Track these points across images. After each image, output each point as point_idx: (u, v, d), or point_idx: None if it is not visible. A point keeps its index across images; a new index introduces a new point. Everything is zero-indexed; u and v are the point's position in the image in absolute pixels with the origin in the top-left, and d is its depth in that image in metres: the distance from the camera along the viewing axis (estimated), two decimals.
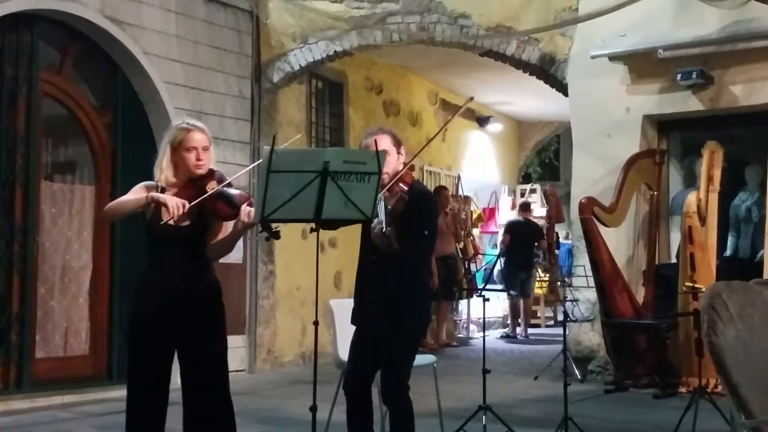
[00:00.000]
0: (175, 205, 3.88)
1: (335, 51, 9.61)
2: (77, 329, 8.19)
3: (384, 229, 4.15)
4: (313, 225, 3.82)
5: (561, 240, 15.02)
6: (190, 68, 8.81)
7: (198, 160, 4.07)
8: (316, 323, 3.96)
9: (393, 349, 4.41)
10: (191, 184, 4.07)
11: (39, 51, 7.79)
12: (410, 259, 4.36)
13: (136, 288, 4.22)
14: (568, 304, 6.42)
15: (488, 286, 5.90)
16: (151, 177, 8.47)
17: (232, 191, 4.02)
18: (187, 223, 4.02)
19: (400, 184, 4.36)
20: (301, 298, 10.09)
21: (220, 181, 4.06)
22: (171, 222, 3.94)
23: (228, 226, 4.11)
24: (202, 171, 4.08)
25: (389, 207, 4.27)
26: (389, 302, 4.38)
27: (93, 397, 7.74)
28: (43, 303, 7.88)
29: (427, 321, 4.91)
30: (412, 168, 4.53)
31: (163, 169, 4.11)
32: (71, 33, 8.10)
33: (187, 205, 3.90)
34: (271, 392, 7.98)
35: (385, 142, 4.39)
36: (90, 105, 8.33)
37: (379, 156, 3.80)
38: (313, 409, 3.82)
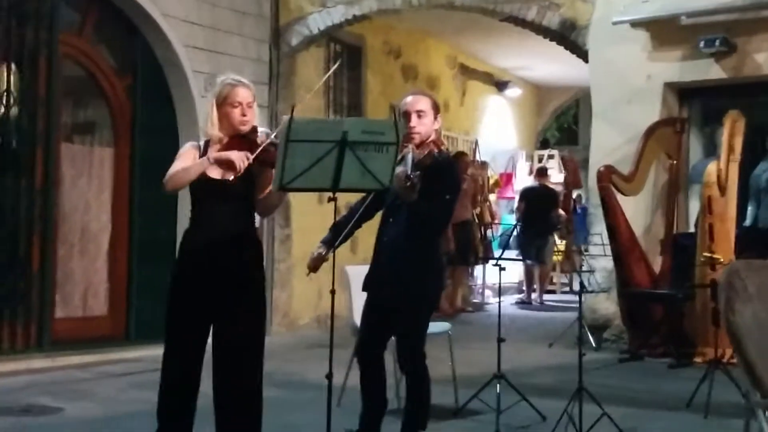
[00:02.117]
0: (239, 158, 3.89)
1: (354, 15, 9.55)
2: (96, 290, 8.29)
3: (408, 173, 4.12)
4: (330, 194, 3.81)
5: (577, 204, 14.95)
6: (209, 31, 8.80)
7: (243, 115, 4.09)
8: (332, 292, 3.97)
9: (407, 318, 4.43)
10: (238, 139, 4.08)
11: (59, 13, 7.79)
12: (425, 220, 4.34)
13: (179, 247, 4.18)
14: (584, 274, 6.41)
15: (504, 254, 5.89)
16: (168, 139, 8.60)
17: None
18: (232, 177, 3.99)
19: (432, 145, 4.41)
20: None
21: (266, 135, 4.07)
22: (230, 178, 3.95)
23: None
24: (246, 127, 4.10)
25: (416, 160, 4.26)
26: (402, 269, 4.39)
27: (111, 357, 7.82)
28: (62, 264, 7.97)
29: (441, 288, 4.92)
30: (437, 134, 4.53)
31: (213, 124, 4.12)
32: None
33: (251, 157, 3.89)
34: (288, 356, 8.04)
35: (424, 104, 4.45)
36: (109, 67, 8.36)
37: (398, 126, 3.78)
38: (329, 377, 3.85)
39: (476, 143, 13.41)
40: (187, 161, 4.10)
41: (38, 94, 7.63)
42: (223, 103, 4.10)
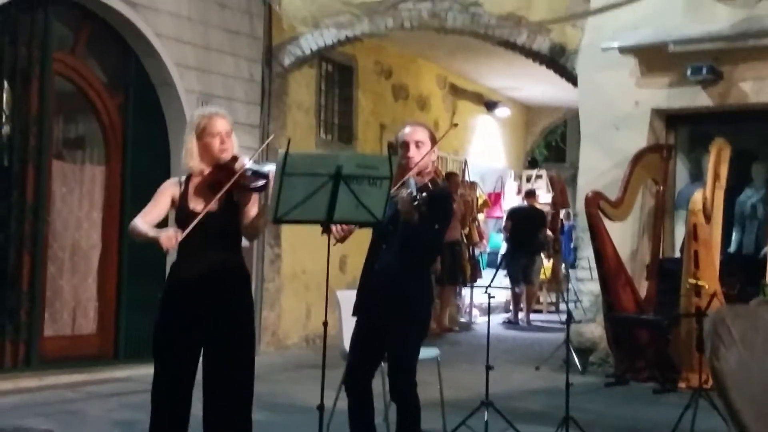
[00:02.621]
0: (167, 239, 3.95)
1: (346, 36, 9.63)
2: (85, 308, 8.31)
3: (414, 194, 4.17)
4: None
5: (564, 221, 15.05)
6: (201, 51, 8.86)
7: (222, 144, 4.16)
8: (325, 324, 4.02)
9: (399, 346, 4.48)
10: (218, 169, 4.15)
11: (53, 31, 7.84)
12: (420, 245, 4.40)
13: (167, 280, 4.27)
14: (570, 303, 6.51)
15: (495, 277, 5.96)
16: (160, 158, 8.68)
17: (259, 166, 4.11)
18: (215, 208, 4.07)
19: (431, 175, 4.51)
20: (306, 282, 10.19)
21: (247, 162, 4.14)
22: (213, 209, 4.04)
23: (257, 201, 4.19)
24: (226, 156, 4.16)
25: (418, 185, 4.34)
26: (395, 296, 4.44)
27: (100, 377, 7.84)
28: (52, 282, 7.99)
29: (430, 313, 4.98)
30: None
31: (190, 158, 4.20)
32: (85, 13, 8.14)
33: (180, 235, 3.96)
34: (276, 376, 8.07)
35: (422, 134, 4.56)
36: (102, 85, 8.39)
37: (392, 160, 3.85)
38: (321, 408, 3.89)
39: (465, 163, 13.49)
40: (156, 206, 4.19)
41: (30, 111, 7.68)
42: (202, 134, 4.18)
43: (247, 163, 4.10)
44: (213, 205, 4.06)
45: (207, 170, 4.19)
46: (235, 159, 4.16)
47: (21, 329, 7.57)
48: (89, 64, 8.32)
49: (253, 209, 4.16)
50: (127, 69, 8.53)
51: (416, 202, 4.15)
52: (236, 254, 4.23)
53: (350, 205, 3.82)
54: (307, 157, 3.94)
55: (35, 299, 7.66)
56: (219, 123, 4.19)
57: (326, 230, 3.90)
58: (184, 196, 4.18)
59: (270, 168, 3.98)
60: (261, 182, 4.03)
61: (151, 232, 4.05)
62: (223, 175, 4.09)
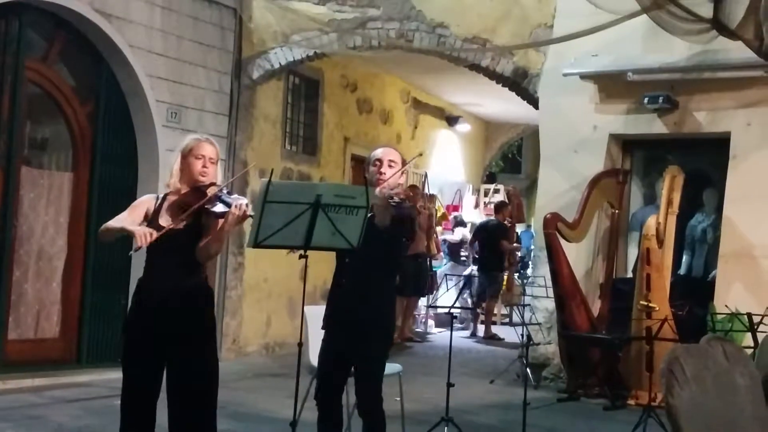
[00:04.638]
0: (140, 234, 4.10)
1: (315, 52, 9.82)
2: (49, 312, 8.38)
3: (389, 194, 4.45)
4: (302, 252, 4.07)
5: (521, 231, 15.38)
6: (173, 62, 8.97)
7: (204, 167, 4.34)
8: (300, 344, 4.21)
9: (367, 362, 4.69)
10: (193, 190, 4.33)
11: (26, 39, 7.93)
12: (388, 252, 4.63)
13: (133, 295, 4.43)
14: (526, 321, 6.74)
15: (458, 298, 6.19)
16: (128, 167, 8.78)
17: (229, 195, 4.27)
18: (182, 226, 4.24)
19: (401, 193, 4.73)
20: (268, 290, 10.36)
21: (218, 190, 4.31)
22: (179, 226, 4.19)
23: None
24: (204, 179, 4.33)
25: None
26: (363, 310, 4.64)
27: (63, 381, 7.95)
28: (17, 286, 8.06)
29: (395, 326, 5.21)
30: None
31: (172, 175, 4.39)
32: (58, 22, 8.23)
33: (155, 234, 4.10)
34: (236, 384, 8.20)
35: (395, 156, 4.84)
36: (73, 93, 8.47)
37: (368, 191, 4.06)
38: (294, 424, 4.08)
39: (426, 176, 13.73)
40: (131, 215, 4.36)
41: (1, 118, 7.77)
42: (188, 154, 4.38)
43: (222, 191, 4.27)
44: (179, 223, 4.23)
45: (184, 189, 4.37)
46: (211, 184, 4.34)
47: None
48: (61, 72, 8.40)
49: (210, 234, 4.29)
50: (99, 78, 8.62)
51: (391, 199, 4.42)
52: (199, 273, 4.38)
53: (327, 232, 4.02)
54: (289, 186, 4.17)
55: (1, 303, 7.73)
56: (206, 148, 4.39)
57: (304, 256, 4.09)
58: (157, 210, 4.36)
59: (239, 201, 4.14)
60: (221, 208, 4.18)
61: (127, 225, 4.22)
62: (195, 197, 4.26)
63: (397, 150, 4.98)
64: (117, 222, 4.31)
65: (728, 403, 2.95)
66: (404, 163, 4.85)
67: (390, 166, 4.75)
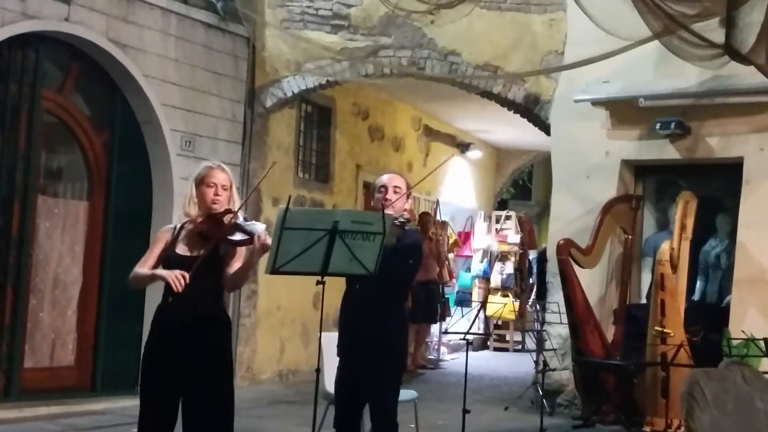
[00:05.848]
0: (171, 277, 4.15)
1: (327, 80, 9.89)
2: (64, 341, 8.42)
3: (395, 216, 4.52)
4: (319, 278, 4.09)
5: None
6: (187, 91, 9.06)
7: (216, 195, 4.37)
8: (318, 370, 4.21)
9: (382, 390, 4.70)
10: (208, 218, 4.36)
11: (43, 69, 8.02)
12: (393, 273, 4.61)
13: (152, 322, 4.45)
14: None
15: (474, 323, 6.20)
16: (143, 195, 8.86)
17: (246, 221, 4.31)
18: (200, 254, 4.26)
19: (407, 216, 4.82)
20: (281, 317, 10.37)
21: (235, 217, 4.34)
22: (198, 254, 4.22)
23: (242, 255, 4.36)
24: (218, 207, 4.36)
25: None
26: (375, 335, 4.66)
27: (78, 409, 7.98)
28: (33, 314, 8.10)
29: (407, 352, 5.24)
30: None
31: (188, 204, 4.43)
32: (74, 52, 8.32)
33: (187, 276, 4.14)
34: (250, 411, 8.18)
35: (400, 182, 4.89)
36: (88, 123, 8.55)
37: (385, 218, 4.09)
38: None
39: (437, 203, 13.76)
40: (153, 252, 4.40)
41: (18, 147, 7.84)
42: (201, 183, 4.42)
43: (239, 218, 4.30)
44: (201, 253, 4.25)
45: (201, 218, 4.40)
46: (227, 212, 4.36)
47: (2, 360, 7.70)
48: (76, 102, 8.49)
49: (236, 264, 4.34)
50: (113, 107, 8.71)
51: (398, 220, 4.48)
52: (218, 302, 4.42)
53: (345, 259, 4.05)
54: (306, 213, 4.20)
55: (16, 332, 7.78)
56: (216, 175, 4.42)
57: (321, 282, 4.11)
58: (174, 240, 4.40)
59: (258, 228, 4.18)
60: (241, 237, 4.21)
61: (158, 272, 4.25)
62: (211, 226, 4.29)
63: (402, 176, 5.04)
64: (145, 268, 4.34)
65: (748, 426, 2.95)
66: (409, 189, 4.90)
67: (395, 191, 4.80)
